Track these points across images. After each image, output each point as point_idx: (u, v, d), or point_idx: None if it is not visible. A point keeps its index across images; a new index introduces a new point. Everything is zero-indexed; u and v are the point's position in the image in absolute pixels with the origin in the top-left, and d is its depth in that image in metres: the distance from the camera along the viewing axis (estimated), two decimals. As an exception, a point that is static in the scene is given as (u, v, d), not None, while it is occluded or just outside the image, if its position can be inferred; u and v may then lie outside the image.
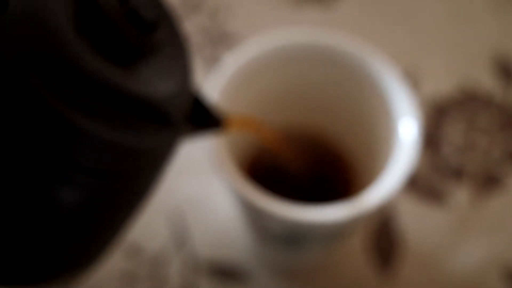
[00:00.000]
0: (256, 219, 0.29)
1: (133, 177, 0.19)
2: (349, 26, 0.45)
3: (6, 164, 0.16)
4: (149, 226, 0.36)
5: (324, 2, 0.46)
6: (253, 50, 0.30)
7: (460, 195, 0.39)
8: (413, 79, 0.42)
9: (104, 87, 0.17)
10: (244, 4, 0.46)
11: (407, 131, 0.28)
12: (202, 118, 0.24)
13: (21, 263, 0.18)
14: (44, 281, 0.19)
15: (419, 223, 0.38)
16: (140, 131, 0.18)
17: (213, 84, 0.29)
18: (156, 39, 0.19)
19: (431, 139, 0.40)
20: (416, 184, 0.39)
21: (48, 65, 0.16)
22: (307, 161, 0.33)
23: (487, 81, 0.42)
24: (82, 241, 0.20)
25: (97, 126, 0.17)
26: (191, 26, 0.44)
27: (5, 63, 0.15)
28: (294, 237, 0.29)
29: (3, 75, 0.15)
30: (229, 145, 0.28)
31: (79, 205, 0.18)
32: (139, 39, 0.18)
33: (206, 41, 0.44)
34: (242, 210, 0.30)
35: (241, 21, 0.45)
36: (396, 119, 0.29)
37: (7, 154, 0.16)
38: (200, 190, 0.39)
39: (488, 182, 0.39)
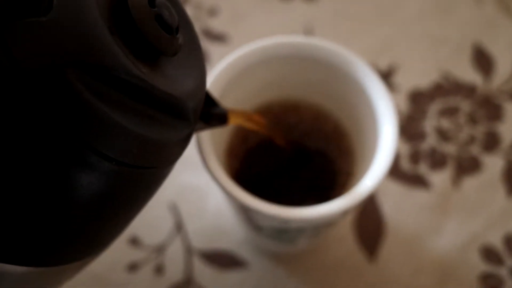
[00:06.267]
0: (246, 214, 0.31)
1: (151, 167, 0.20)
2: (333, 18, 0.46)
3: (38, 147, 0.17)
4: (148, 216, 0.37)
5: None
6: (243, 50, 0.31)
7: (441, 177, 0.40)
8: (397, 70, 0.43)
9: (133, 83, 0.18)
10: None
11: (388, 133, 0.29)
12: (212, 113, 0.26)
13: (35, 244, 0.19)
14: (55, 264, 0.20)
15: (401, 204, 0.39)
16: (163, 124, 0.20)
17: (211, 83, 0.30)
18: (178, 41, 0.21)
19: (415, 124, 0.41)
20: (399, 167, 0.40)
21: (84, 62, 0.17)
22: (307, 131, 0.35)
23: (468, 72, 0.43)
24: (100, 226, 0.20)
25: (125, 118, 0.18)
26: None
27: (46, 59, 0.16)
28: (284, 230, 0.30)
29: (44, 70, 0.16)
30: (211, 141, 0.29)
31: (103, 191, 0.19)
32: (165, 42, 0.20)
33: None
34: (232, 206, 0.32)
35: (227, 16, 0.46)
36: (379, 119, 0.30)
37: (40, 139, 0.17)
38: (194, 182, 0.40)
39: (468, 164, 0.40)
